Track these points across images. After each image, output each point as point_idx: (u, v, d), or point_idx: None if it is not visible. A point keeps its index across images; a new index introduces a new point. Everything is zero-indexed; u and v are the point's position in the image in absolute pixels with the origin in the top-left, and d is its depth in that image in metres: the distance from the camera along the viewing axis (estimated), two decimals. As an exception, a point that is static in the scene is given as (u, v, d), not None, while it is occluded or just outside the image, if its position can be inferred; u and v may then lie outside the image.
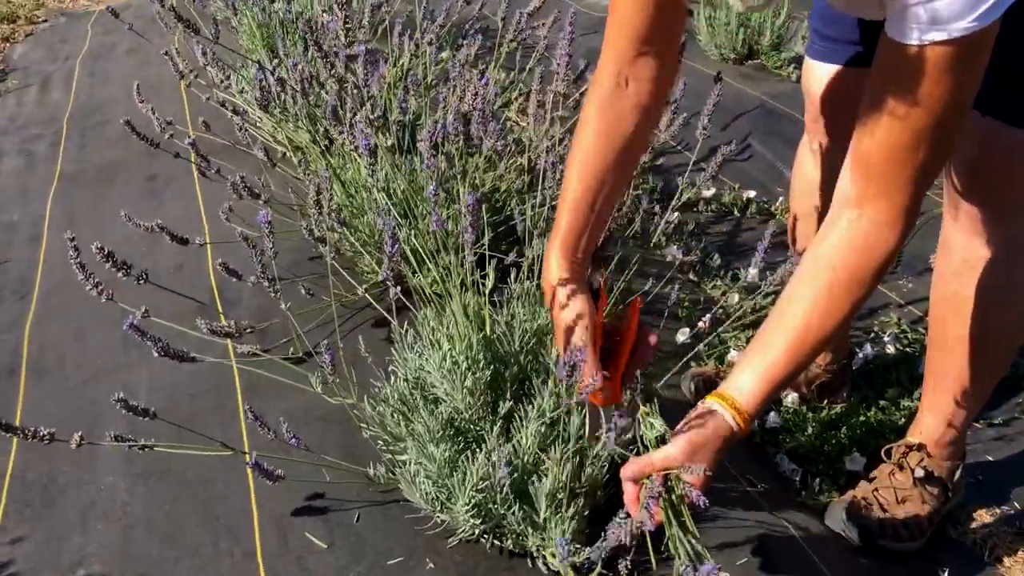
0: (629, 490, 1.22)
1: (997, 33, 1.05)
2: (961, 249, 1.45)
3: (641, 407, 1.26)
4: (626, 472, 1.19)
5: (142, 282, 1.40)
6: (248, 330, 1.83)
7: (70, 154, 3.03)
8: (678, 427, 1.22)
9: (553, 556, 1.37)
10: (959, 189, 1.41)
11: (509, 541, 1.42)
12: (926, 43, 1.03)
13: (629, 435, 1.31)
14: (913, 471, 1.62)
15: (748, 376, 1.20)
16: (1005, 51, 1.08)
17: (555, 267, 1.30)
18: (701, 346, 2.08)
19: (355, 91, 1.70)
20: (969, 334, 1.49)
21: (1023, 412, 1.96)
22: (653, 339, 1.33)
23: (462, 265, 1.41)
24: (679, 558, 1.15)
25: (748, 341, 2.08)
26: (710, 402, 1.20)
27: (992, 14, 1.01)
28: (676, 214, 2.66)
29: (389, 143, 1.72)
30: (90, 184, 2.77)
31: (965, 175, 1.39)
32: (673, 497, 1.18)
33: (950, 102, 1.07)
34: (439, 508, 1.41)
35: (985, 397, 1.59)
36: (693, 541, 1.16)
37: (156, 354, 1.31)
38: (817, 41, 1.64)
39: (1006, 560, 1.60)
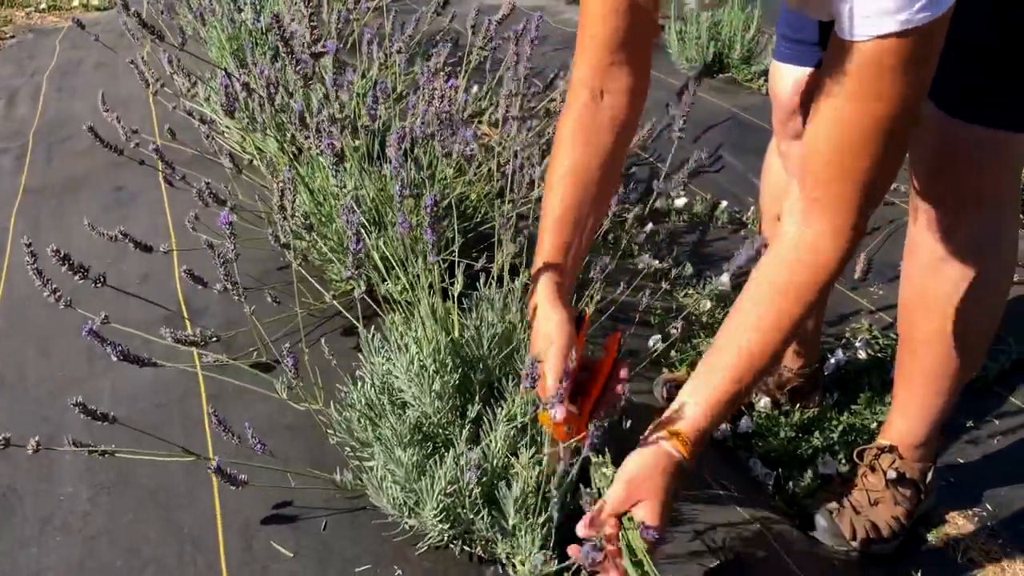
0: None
1: (947, 28, 1.04)
2: (928, 248, 1.45)
3: (592, 458, 1.22)
4: (580, 530, 1.16)
5: (100, 285, 1.36)
6: (214, 339, 1.80)
7: (36, 167, 2.99)
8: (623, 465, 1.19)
9: (522, 564, 1.34)
10: (923, 187, 1.42)
11: (478, 547, 1.40)
12: (874, 36, 1.01)
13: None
14: (885, 473, 1.62)
15: (689, 403, 1.18)
16: (965, 23, 1.07)
17: (540, 288, 1.27)
18: (673, 352, 2.08)
19: (323, 94, 1.69)
20: (938, 332, 1.49)
21: (993, 415, 1.97)
22: (624, 373, 1.30)
23: (429, 270, 1.40)
24: None
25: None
26: (655, 434, 1.18)
27: (944, 1, 1.00)
28: (649, 223, 2.67)
29: (357, 144, 1.70)
30: (55, 196, 2.73)
31: (929, 173, 1.40)
32: (628, 535, 1.14)
33: (899, 101, 1.06)
34: (407, 514, 1.39)
35: (955, 397, 1.58)
36: None
37: (115, 358, 1.28)
38: (783, 44, 1.65)
39: (977, 559, 1.60)
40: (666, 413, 1.20)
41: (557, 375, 1.20)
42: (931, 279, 1.47)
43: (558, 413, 1.18)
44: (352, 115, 1.92)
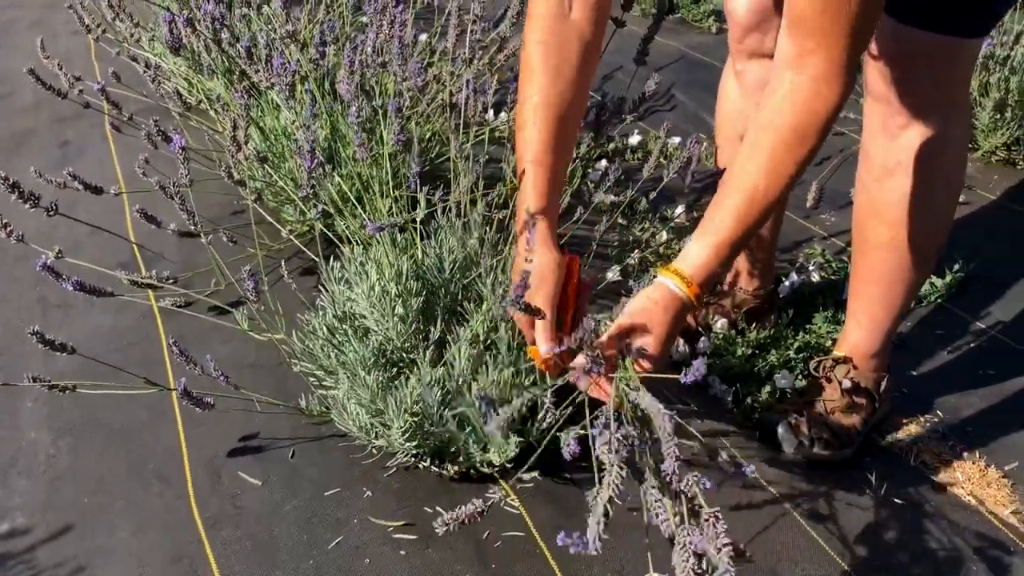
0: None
1: None
2: (881, 155, 1.49)
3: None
4: (578, 362, 1.16)
5: (52, 214, 1.34)
6: (170, 280, 1.78)
7: (-24, 127, 2.91)
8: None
9: (498, 455, 1.36)
10: (876, 94, 1.45)
11: (448, 465, 1.41)
12: None
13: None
14: (841, 383, 1.66)
15: (695, 246, 1.20)
16: None
17: (525, 219, 1.26)
18: (631, 282, 2.10)
19: (269, 27, 1.66)
20: (890, 239, 1.53)
21: (943, 330, 2.02)
22: (586, 284, 1.33)
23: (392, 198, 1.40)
24: (626, 422, 1.11)
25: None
26: (661, 275, 1.20)
27: None
28: (603, 161, 2.68)
29: (306, 69, 1.68)
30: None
31: (882, 78, 1.43)
32: (627, 362, 1.16)
33: None
34: (374, 436, 1.40)
35: (907, 305, 1.63)
36: (639, 394, 1.12)
37: (71, 287, 1.26)
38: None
39: (929, 461, 1.65)
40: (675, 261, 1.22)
41: (551, 318, 1.23)
42: (884, 186, 1.50)
43: (550, 350, 1.21)
44: (301, 48, 1.89)
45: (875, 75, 1.45)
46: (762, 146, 1.18)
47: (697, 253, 1.19)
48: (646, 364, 1.15)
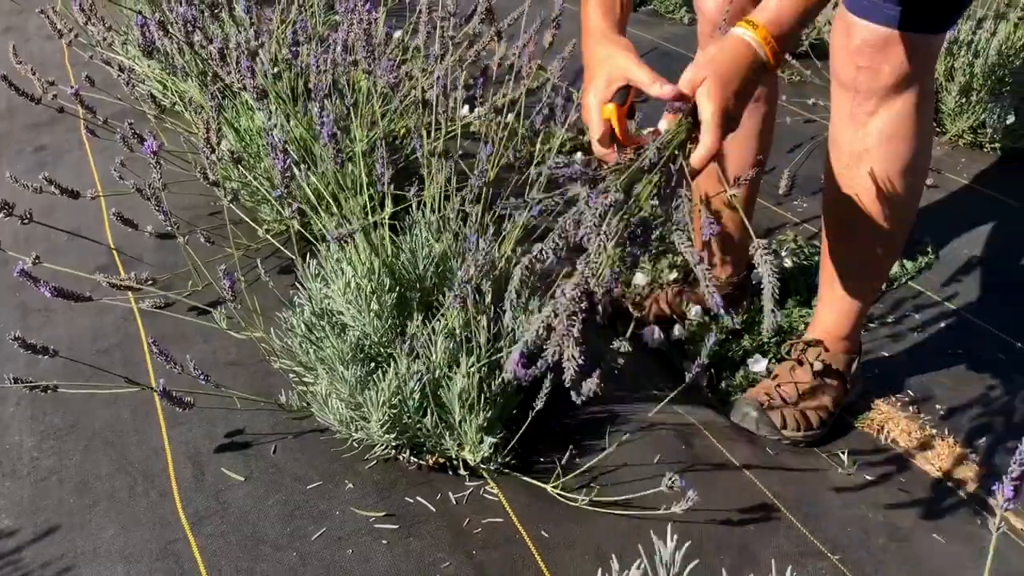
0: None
1: None
2: (849, 142, 1.53)
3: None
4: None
5: (26, 223, 1.35)
6: (149, 282, 1.80)
7: (-50, 134, 2.90)
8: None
9: (473, 454, 1.39)
10: (842, 82, 1.49)
11: (427, 456, 1.44)
12: None
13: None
14: (812, 365, 1.69)
15: (772, 2, 1.14)
16: None
17: (594, 24, 1.27)
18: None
19: (241, 31, 1.68)
20: (860, 223, 1.57)
21: (913, 311, 2.06)
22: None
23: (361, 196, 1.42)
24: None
25: (649, 261, 2.15)
26: (732, 30, 1.14)
27: None
28: (579, 154, 2.71)
29: (277, 71, 1.70)
30: (-26, 162, 2.67)
31: (846, 68, 1.47)
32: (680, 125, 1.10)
33: None
34: (354, 429, 1.42)
35: (876, 289, 1.67)
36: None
37: (49, 294, 1.28)
38: None
39: (899, 440, 1.69)
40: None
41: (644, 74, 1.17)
42: (852, 171, 1.54)
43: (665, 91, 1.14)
44: (273, 56, 1.91)
45: (842, 64, 1.48)
46: None
47: (774, 8, 1.14)
48: (710, 114, 1.09)
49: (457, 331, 1.42)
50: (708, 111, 1.11)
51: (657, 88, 1.14)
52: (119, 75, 2.03)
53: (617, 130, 1.18)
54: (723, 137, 1.12)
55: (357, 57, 1.60)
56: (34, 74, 2.02)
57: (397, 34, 3.02)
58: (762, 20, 1.13)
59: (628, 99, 1.21)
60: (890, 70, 1.43)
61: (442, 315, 1.43)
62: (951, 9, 1.46)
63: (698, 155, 1.12)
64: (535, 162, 2.38)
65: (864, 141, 1.50)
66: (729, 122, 1.13)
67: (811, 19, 1.19)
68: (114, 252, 2.05)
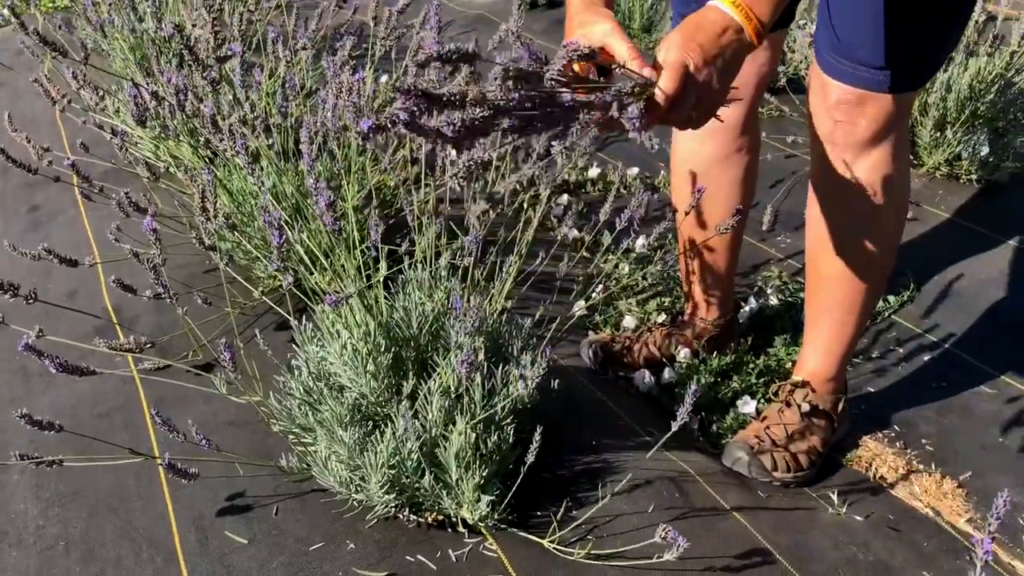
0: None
1: None
2: (829, 189, 1.57)
3: None
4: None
5: (31, 302, 1.39)
6: (148, 345, 1.83)
7: (-56, 195, 2.94)
8: None
9: (471, 512, 1.42)
10: (820, 135, 1.53)
11: (427, 514, 1.47)
12: None
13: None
14: (800, 407, 1.73)
15: None
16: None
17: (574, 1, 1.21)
18: (597, 316, 2.18)
19: (232, 96, 1.73)
20: (842, 269, 1.61)
21: (896, 345, 2.11)
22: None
23: (354, 257, 1.46)
24: None
25: (638, 305, 2.20)
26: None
27: None
28: (565, 195, 2.76)
29: (271, 142, 1.75)
30: (-31, 222, 2.70)
31: (823, 122, 1.51)
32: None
33: None
34: (354, 490, 1.45)
35: (860, 330, 1.71)
36: None
37: (54, 370, 1.31)
38: (678, 19, 1.72)
39: (887, 476, 1.73)
40: None
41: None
42: (833, 219, 1.59)
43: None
44: (264, 114, 1.95)
45: (819, 118, 1.52)
46: None
47: None
48: (669, 61, 1.03)
49: (452, 389, 1.46)
50: (666, 57, 1.05)
51: (634, 64, 1.07)
52: (112, 138, 2.07)
53: (577, 67, 1.08)
54: (681, 91, 1.04)
55: (346, 121, 1.64)
56: (28, 141, 2.06)
57: (384, 79, 3.08)
58: None
59: (602, 56, 1.12)
60: (866, 124, 1.47)
61: (437, 374, 1.47)
62: (926, 70, 1.50)
63: (655, 97, 1.04)
64: (524, 213, 2.44)
65: (844, 188, 1.54)
66: (695, 87, 1.06)
67: None
68: (112, 313, 2.09)
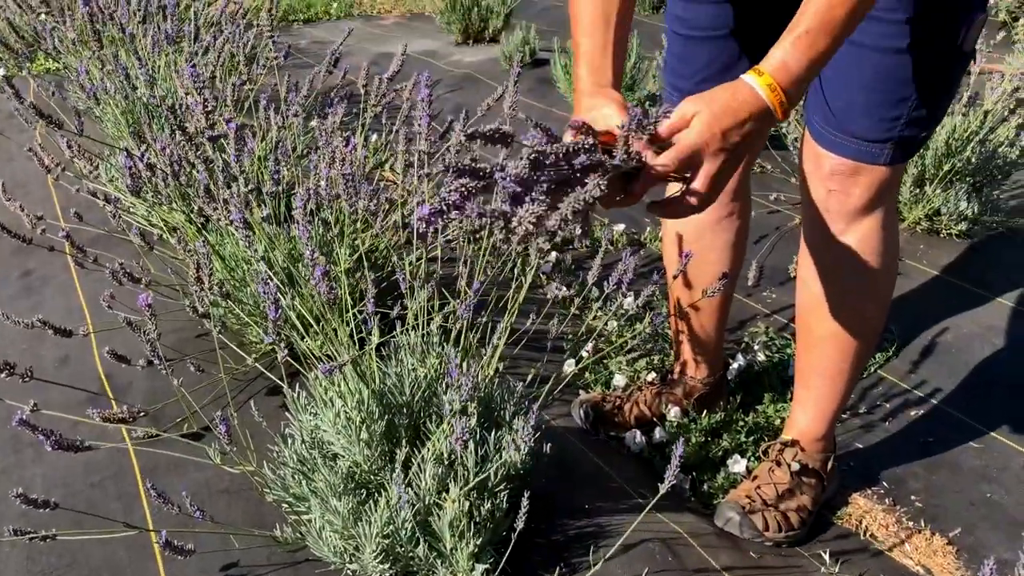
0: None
1: None
2: (821, 254, 1.60)
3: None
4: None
5: (27, 380, 1.40)
6: (142, 414, 1.84)
7: (-65, 259, 2.95)
8: None
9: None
10: (813, 201, 1.56)
11: (420, 581, 1.47)
12: None
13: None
14: (790, 466, 1.75)
15: (777, 51, 1.09)
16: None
17: (583, 82, 1.29)
18: (588, 374, 2.20)
19: (225, 168, 1.76)
20: (833, 332, 1.63)
21: (883, 400, 2.14)
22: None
23: (346, 323, 1.48)
24: None
25: (627, 363, 2.22)
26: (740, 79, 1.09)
27: None
28: (553, 253, 2.79)
29: (265, 214, 1.78)
30: (-40, 288, 2.71)
31: (816, 190, 1.54)
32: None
33: None
34: (348, 559, 1.45)
35: (850, 390, 1.73)
36: None
37: (49, 448, 1.32)
38: (673, 93, 1.74)
39: (877, 534, 1.74)
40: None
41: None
42: (825, 284, 1.61)
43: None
44: (257, 180, 1.99)
45: (813, 186, 1.55)
46: None
47: (779, 56, 1.08)
48: (699, 182, 1.05)
49: (445, 456, 1.47)
50: (683, 137, 1.06)
51: (636, 145, 1.10)
52: (105, 205, 2.09)
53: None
54: (680, 170, 1.06)
55: (338, 191, 1.68)
56: (23, 210, 2.08)
57: (374, 137, 3.13)
58: (768, 68, 1.09)
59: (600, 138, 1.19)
60: (860, 193, 1.49)
61: (431, 442, 1.48)
62: (920, 140, 1.50)
63: (692, 187, 1.07)
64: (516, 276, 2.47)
65: (837, 253, 1.56)
66: (719, 173, 1.08)
67: (823, 65, 1.12)
68: (104, 380, 2.09)
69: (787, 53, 1.09)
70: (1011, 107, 2.65)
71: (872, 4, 1.11)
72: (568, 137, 1.06)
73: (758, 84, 1.08)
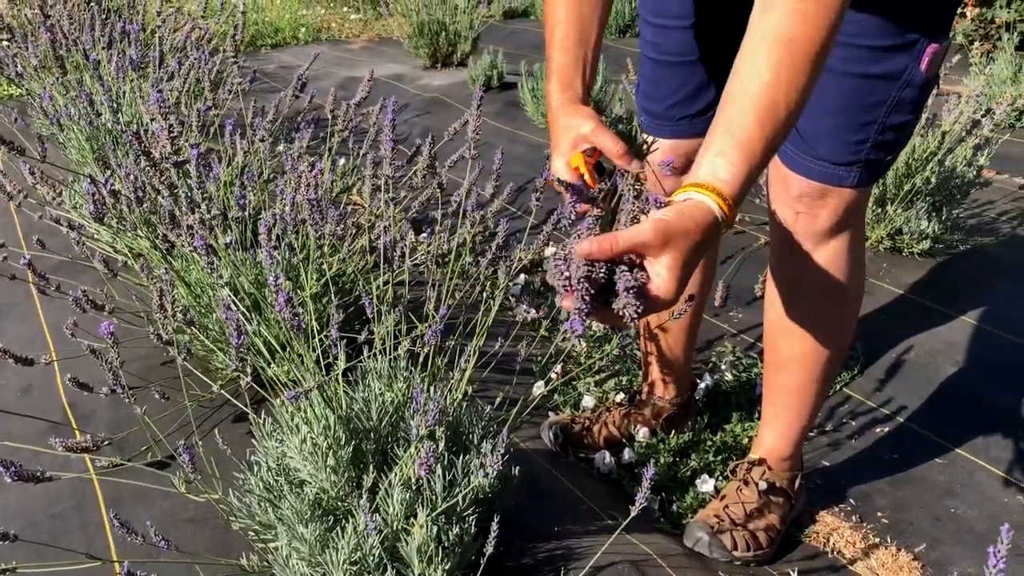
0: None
1: None
2: (789, 275, 1.61)
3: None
4: (583, 248, 0.97)
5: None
6: (105, 442, 1.82)
7: None
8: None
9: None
10: (781, 222, 1.57)
11: (389, 609, 1.46)
12: None
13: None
14: (757, 485, 1.76)
15: (720, 161, 1.04)
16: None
17: (555, 98, 1.36)
18: (556, 396, 2.20)
19: (190, 194, 1.75)
20: (800, 353, 1.65)
21: (849, 418, 2.16)
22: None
23: (312, 349, 1.47)
24: None
25: (596, 384, 2.22)
26: (687, 193, 1.04)
27: None
28: (522, 275, 2.80)
29: (229, 239, 1.77)
30: (-80, 317, 2.66)
31: (784, 211, 1.55)
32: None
33: None
34: (316, 587, 1.44)
35: (817, 409, 1.74)
36: None
37: (9, 479, 1.30)
38: (644, 116, 1.76)
39: (845, 551, 1.75)
40: (691, 175, 1.06)
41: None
42: (792, 304, 1.63)
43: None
44: (223, 206, 1.98)
45: (780, 208, 1.56)
46: (774, 56, 1.05)
47: (727, 170, 1.04)
48: (660, 292, 1.00)
49: (412, 482, 1.46)
50: (665, 271, 1.01)
51: (622, 160, 1.23)
52: (69, 232, 2.07)
53: (587, 176, 1.28)
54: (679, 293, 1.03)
55: (304, 215, 1.67)
56: (-17, 237, 2.06)
57: (342, 162, 3.13)
58: (717, 183, 1.04)
59: (595, 155, 1.32)
60: (827, 215, 1.50)
61: (398, 467, 1.47)
62: (887, 163, 1.51)
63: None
64: (484, 301, 2.47)
65: (804, 274, 1.57)
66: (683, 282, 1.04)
67: (759, 174, 1.09)
68: (67, 409, 2.07)
69: (740, 169, 1.04)
70: (968, 128, 2.70)
71: (807, 97, 1.08)
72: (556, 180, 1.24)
73: (719, 207, 1.03)
